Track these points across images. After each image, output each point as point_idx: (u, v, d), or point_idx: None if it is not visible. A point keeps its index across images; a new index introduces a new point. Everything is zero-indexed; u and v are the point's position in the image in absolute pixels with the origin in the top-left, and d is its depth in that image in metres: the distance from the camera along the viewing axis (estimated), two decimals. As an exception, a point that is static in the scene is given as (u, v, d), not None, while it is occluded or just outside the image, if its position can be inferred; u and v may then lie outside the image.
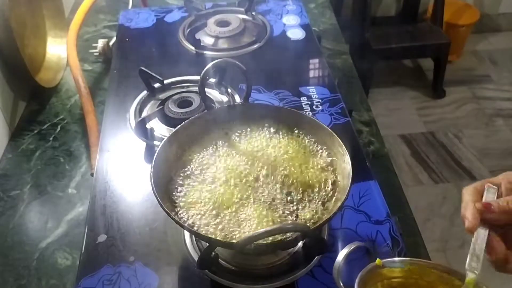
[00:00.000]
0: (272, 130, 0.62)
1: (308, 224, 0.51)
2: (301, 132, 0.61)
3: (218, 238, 0.50)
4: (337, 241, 0.59)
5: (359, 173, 0.64)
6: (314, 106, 0.80)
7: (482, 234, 0.45)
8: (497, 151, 1.95)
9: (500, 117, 2.11)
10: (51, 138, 0.83)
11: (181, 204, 0.54)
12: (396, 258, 0.49)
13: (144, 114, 0.79)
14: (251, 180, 0.56)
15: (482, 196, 0.47)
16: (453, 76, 2.27)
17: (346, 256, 0.47)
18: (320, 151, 0.59)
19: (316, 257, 0.57)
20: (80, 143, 0.82)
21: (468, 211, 0.45)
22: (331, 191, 0.55)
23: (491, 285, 0.44)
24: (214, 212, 0.52)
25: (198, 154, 0.59)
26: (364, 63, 2.04)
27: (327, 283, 0.55)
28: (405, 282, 0.48)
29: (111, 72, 0.89)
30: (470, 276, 0.44)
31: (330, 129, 0.57)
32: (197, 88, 0.68)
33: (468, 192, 0.47)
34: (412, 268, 0.47)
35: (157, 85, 0.83)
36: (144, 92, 0.82)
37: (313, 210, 0.53)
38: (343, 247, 0.57)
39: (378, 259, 0.47)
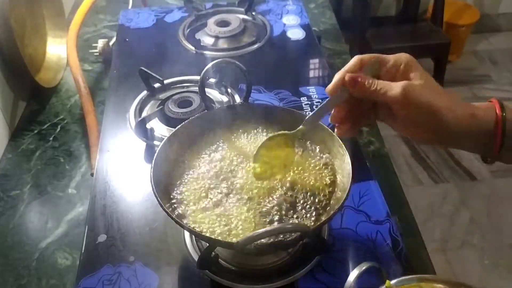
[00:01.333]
0: (272, 130, 0.62)
1: (308, 224, 0.51)
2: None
3: (218, 238, 0.50)
4: (337, 241, 0.59)
5: (359, 173, 0.63)
6: (314, 106, 0.80)
7: (334, 98, 0.49)
8: (497, 151, 1.95)
9: (500, 117, 2.11)
10: (51, 138, 0.83)
11: (181, 204, 0.54)
12: (405, 277, 0.48)
13: (144, 114, 0.79)
14: (250, 180, 0.56)
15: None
16: (453, 76, 2.26)
17: (357, 277, 0.46)
18: (320, 151, 0.59)
19: (316, 257, 0.57)
20: (80, 143, 0.82)
21: (337, 75, 0.48)
22: (331, 192, 0.55)
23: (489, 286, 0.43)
24: (214, 212, 0.52)
25: (198, 154, 0.59)
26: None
27: (327, 283, 0.55)
28: None
29: (111, 72, 0.89)
30: (300, 127, 0.51)
31: (330, 129, 0.57)
32: (197, 88, 0.68)
33: (353, 60, 0.49)
34: (422, 285, 0.47)
35: (157, 85, 0.83)
36: (144, 92, 0.82)
37: (313, 211, 0.53)
38: (343, 247, 0.58)
39: (387, 281, 0.47)
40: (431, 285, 0.47)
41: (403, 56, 0.48)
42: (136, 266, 0.57)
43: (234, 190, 0.55)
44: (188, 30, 0.97)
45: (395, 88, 0.45)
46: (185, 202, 0.54)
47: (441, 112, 0.45)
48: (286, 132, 0.54)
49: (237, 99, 0.80)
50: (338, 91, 0.48)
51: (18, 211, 0.71)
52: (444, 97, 0.46)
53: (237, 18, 0.99)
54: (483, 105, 0.47)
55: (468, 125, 0.46)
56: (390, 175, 0.74)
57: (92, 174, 0.71)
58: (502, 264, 1.56)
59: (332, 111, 0.50)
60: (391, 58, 0.48)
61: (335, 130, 0.51)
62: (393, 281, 0.47)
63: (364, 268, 0.47)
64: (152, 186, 0.51)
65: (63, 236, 0.67)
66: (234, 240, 0.49)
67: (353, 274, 0.46)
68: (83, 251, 0.59)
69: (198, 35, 0.96)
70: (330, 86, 0.48)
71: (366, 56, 0.48)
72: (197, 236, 0.56)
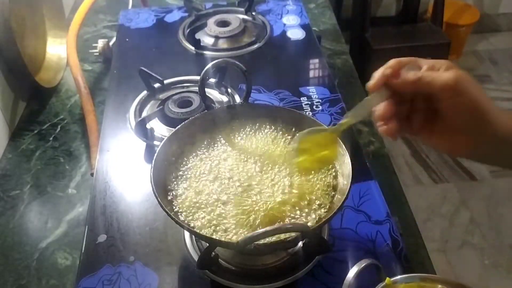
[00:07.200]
0: (272, 130, 0.62)
1: (308, 224, 0.51)
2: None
3: (218, 238, 0.50)
4: (337, 241, 0.59)
5: (359, 173, 0.63)
6: (314, 106, 0.80)
7: (376, 96, 0.46)
8: (497, 151, 1.95)
9: (500, 117, 2.11)
10: (51, 138, 0.83)
11: (181, 204, 0.54)
12: (406, 275, 0.48)
13: (144, 114, 0.79)
14: (250, 180, 0.56)
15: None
16: (453, 76, 2.26)
17: (356, 274, 0.46)
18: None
19: (316, 257, 0.57)
20: (80, 143, 0.82)
21: (378, 72, 0.46)
22: (332, 192, 0.55)
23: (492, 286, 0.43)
24: (214, 212, 0.52)
25: (198, 154, 0.59)
26: (364, 63, 2.04)
27: (327, 283, 0.55)
28: None
29: (111, 72, 0.89)
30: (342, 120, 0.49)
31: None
32: (197, 88, 0.68)
33: (391, 61, 0.46)
34: (423, 284, 0.47)
35: (157, 85, 0.83)
36: (144, 92, 0.82)
37: (315, 211, 0.53)
38: (343, 247, 0.58)
39: (387, 278, 0.47)
40: (432, 285, 0.47)
41: (442, 61, 0.45)
42: (136, 266, 0.57)
43: (234, 190, 0.55)
44: (188, 30, 0.97)
45: (446, 74, 0.42)
46: (185, 202, 0.54)
47: (489, 115, 0.42)
48: (329, 127, 0.52)
49: (237, 99, 0.80)
50: (380, 88, 0.46)
51: (18, 211, 0.71)
52: (491, 102, 0.43)
53: (237, 18, 0.99)
54: None
55: None
56: (390, 175, 0.74)
57: (92, 174, 0.71)
58: (502, 264, 1.56)
59: (377, 110, 0.47)
60: (429, 61, 0.46)
61: (379, 128, 0.48)
62: (393, 279, 0.47)
63: (363, 265, 0.46)
64: (152, 186, 0.51)
65: (63, 236, 0.67)
66: (234, 239, 0.49)
67: (352, 271, 0.46)
68: (83, 251, 0.59)
69: (198, 35, 0.96)
70: (371, 82, 0.46)
71: (404, 59, 0.46)
72: (197, 236, 0.56)
